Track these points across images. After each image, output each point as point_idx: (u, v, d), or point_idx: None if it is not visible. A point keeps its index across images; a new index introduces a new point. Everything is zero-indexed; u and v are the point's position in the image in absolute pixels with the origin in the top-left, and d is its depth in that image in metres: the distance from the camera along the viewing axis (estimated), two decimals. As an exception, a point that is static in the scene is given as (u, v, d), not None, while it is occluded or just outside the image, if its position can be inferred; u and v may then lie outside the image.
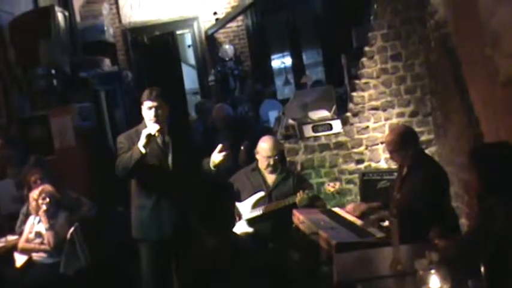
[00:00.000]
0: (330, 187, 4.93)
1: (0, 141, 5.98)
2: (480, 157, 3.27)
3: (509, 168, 3.12)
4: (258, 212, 4.82)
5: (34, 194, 5.21)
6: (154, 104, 4.32)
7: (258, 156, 5.00)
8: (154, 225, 4.46)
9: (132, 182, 4.55)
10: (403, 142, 4.19)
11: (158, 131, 4.26)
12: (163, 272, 4.52)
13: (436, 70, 5.55)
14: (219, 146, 4.42)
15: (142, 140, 4.23)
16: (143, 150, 4.23)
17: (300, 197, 4.69)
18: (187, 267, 2.85)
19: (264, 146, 4.93)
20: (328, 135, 5.98)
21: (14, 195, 5.72)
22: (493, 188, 3.12)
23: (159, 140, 4.41)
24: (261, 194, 4.86)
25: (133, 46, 10.13)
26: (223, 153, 4.39)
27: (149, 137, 4.23)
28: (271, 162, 4.90)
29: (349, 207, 4.62)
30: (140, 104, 4.42)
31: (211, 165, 4.43)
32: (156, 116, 4.31)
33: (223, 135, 6.36)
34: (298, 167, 5.90)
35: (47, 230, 5.11)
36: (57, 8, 7.35)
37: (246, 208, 4.85)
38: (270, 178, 4.95)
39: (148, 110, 4.34)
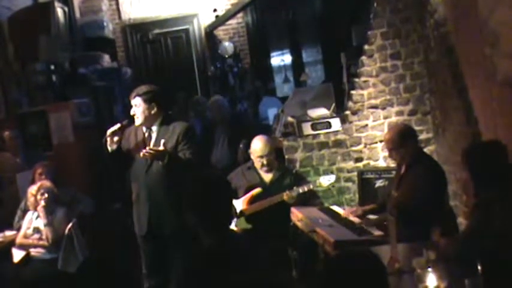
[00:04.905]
0: (326, 180, 4.92)
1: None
2: (471, 156, 3.30)
3: (500, 166, 3.15)
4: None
5: (32, 189, 5.21)
6: (132, 102, 4.46)
7: (252, 157, 5.00)
8: (136, 219, 4.60)
9: None
10: (402, 140, 4.19)
11: (118, 129, 4.37)
12: (159, 266, 4.55)
13: (435, 69, 5.55)
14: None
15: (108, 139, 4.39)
16: (109, 149, 4.38)
17: (287, 195, 4.69)
18: (183, 266, 2.83)
19: (255, 147, 4.93)
20: (327, 133, 5.97)
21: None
22: (485, 186, 3.15)
23: (147, 136, 4.48)
24: (258, 190, 4.85)
25: (140, 41, 10.08)
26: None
27: (110, 135, 4.35)
28: (264, 162, 4.90)
29: (345, 212, 4.60)
30: None
31: None
32: (134, 113, 4.45)
33: (222, 133, 6.37)
34: (297, 165, 5.90)
35: (45, 225, 5.11)
36: (56, 4, 7.34)
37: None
38: (267, 176, 4.95)
39: None
